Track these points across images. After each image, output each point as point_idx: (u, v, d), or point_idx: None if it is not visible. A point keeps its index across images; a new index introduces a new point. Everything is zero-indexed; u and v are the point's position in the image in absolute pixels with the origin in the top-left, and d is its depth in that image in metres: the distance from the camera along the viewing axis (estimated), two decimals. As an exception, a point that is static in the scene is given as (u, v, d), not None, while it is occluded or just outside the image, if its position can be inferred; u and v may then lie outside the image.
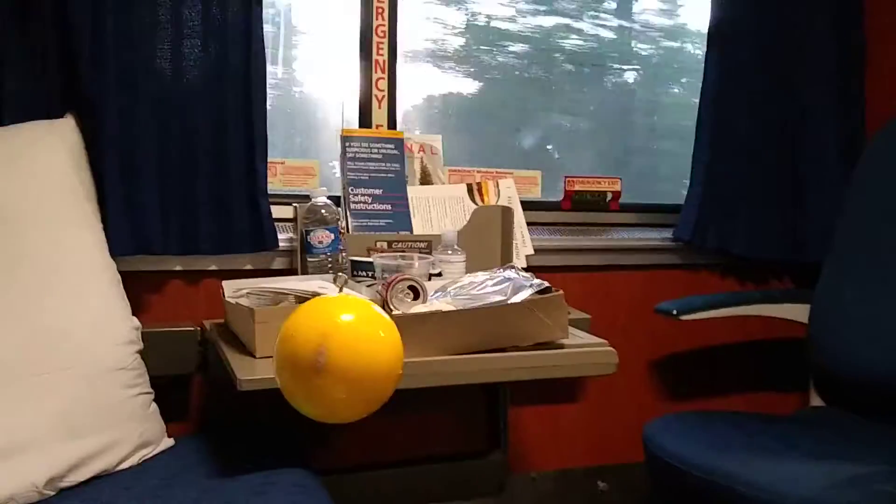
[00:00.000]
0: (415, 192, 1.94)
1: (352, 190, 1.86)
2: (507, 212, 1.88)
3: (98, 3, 1.62)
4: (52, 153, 1.55)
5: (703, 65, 2.24)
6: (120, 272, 1.57)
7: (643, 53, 2.51)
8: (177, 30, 1.72)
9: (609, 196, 2.24)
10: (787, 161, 2.27)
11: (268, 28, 1.84)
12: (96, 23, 1.62)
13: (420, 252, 1.76)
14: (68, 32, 1.61)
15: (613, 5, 2.44)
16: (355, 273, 1.69)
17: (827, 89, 2.29)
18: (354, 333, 1.12)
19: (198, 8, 1.73)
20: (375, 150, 1.91)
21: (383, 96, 2.06)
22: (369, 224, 1.86)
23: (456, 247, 1.73)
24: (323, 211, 1.75)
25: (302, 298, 1.37)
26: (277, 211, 1.86)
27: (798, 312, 2.09)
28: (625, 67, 2.48)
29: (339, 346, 1.09)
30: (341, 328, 1.11)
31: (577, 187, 2.21)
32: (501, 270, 1.53)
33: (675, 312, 2.01)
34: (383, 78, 2.06)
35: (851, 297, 1.94)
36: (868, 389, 1.86)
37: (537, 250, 1.99)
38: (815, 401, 2.05)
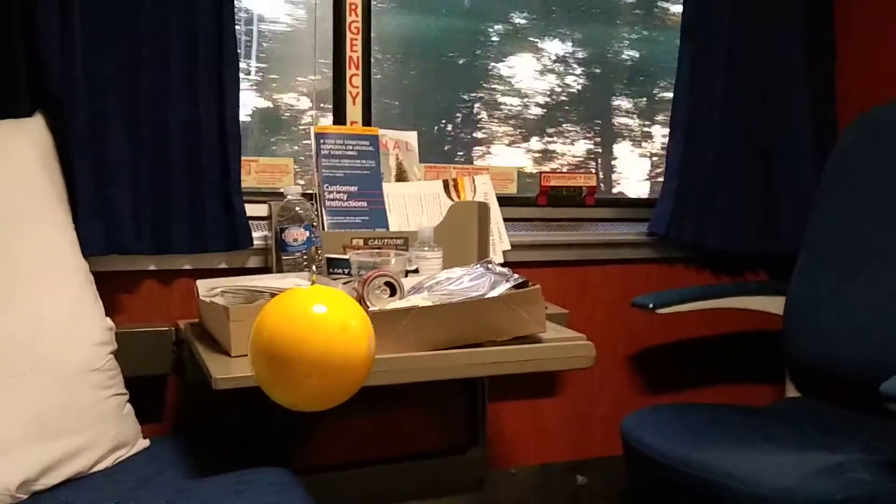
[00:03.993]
0: (390, 188, 1.93)
1: (327, 187, 1.85)
2: (483, 207, 1.88)
3: (66, 1, 1.60)
4: (21, 152, 1.52)
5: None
6: (92, 272, 1.56)
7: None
8: (148, 28, 1.70)
9: (584, 191, 2.25)
10: (761, 155, 2.29)
11: (239, 27, 1.82)
12: (64, 21, 1.59)
13: (396, 249, 1.76)
14: (36, 30, 1.58)
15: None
16: (331, 270, 1.68)
17: (799, 84, 2.31)
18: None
19: (169, 6, 1.71)
20: (350, 147, 1.90)
21: (357, 93, 2.05)
22: (345, 221, 1.85)
23: (432, 243, 1.73)
24: (297, 208, 1.74)
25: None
26: (251, 209, 1.85)
27: (773, 305, 2.10)
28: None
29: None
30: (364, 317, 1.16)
31: (552, 183, 2.21)
32: (478, 266, 1.53)
33: (651, 306, 2.02)
34: (357, 74, 2.05)
35: (825, 288, 1.96)
36: (842, 380, 1.88)
37: (514, 246, 1.99)
38: (791, 392, 2.07)
